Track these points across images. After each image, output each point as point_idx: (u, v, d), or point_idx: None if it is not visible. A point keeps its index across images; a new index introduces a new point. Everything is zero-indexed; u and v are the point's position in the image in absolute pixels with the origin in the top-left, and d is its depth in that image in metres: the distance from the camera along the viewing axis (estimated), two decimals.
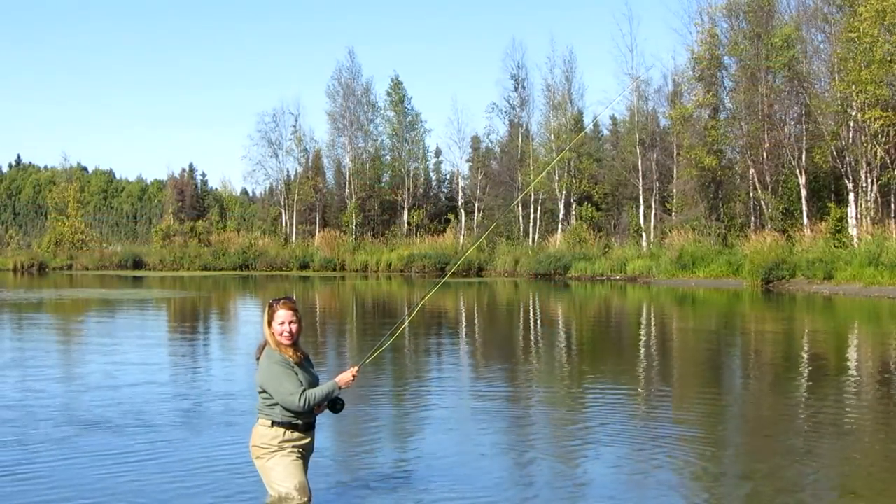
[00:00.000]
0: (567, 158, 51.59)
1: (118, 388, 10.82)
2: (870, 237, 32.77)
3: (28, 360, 14.00)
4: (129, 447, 7.69)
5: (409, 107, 63.07)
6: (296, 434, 5.60)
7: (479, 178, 58.04)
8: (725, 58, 43.32)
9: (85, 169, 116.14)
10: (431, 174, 66.88)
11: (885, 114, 33.87)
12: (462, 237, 55.76)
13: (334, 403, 5.69)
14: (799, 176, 38.95)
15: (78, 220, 69.90)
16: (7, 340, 17.60)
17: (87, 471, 6.95)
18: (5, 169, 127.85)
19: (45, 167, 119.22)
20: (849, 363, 13.76)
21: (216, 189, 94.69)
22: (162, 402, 9.89)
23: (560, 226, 51.64)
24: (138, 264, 61.67)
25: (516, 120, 57.76)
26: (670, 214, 46.49)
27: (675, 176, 46.40)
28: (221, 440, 7.98)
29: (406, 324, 8.11)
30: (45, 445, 7.76)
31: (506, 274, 47.21)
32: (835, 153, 37.09)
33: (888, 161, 35.54)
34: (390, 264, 53.32)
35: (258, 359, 5.70)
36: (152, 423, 8.75)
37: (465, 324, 21.52)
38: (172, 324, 21.75)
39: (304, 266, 56.86)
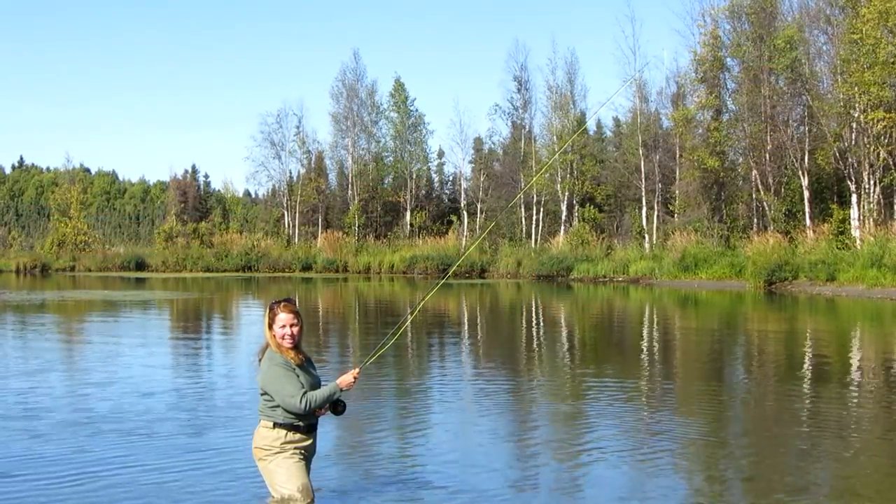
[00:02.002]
0: (570, 160, 51.61)
1: (163, 394, 10.64)
2: (872, 239, 32.72)
3: (58, 363, 13.86)
4: (172, 454, 7.58)
5: (412, 108, 63.19)
6: (298, 436, 5.60)
7: (482, 179, 58.02)
8: (728, 59, 43.35)
9: (88, 170, 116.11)
10: (434, 176, 66.98)
11: (887, 115, 33.84)
12: (464, 239, 55.76)
13: (336, 405, 5.68)
14: (801, 177, 38.90)
15: (80, 221, 70.02)
16: (28, 346, 17.13)
17: (143, 477, 6.84)
18: (8, 170, 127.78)
19: (48, 169, 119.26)
20: (851, 364, 13.75)
21: (219, 190, 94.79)
22: (211, 407, 9.89)
23: (562, 227, 51.62)
24: (141, 266, 61.74)
25: (519, 121, 57.81)
26: (673, 216, 46.46)
27: (677, 177, 46.36)
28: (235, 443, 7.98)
29: (407, 324, 8.08)
30: (103, 454, 7.63)
31: (508, 275, 47.19)
32: (837, 155, 37.04)
33: (891, 163, 35.50)
34: (393, 266, 53.34)
35: (260, 360, 5.70)
36: (200, 428, 8.69)
37: (467, 324, 21.53)
38: (190, 326, 21.75)
39: (307, 267, 56.90)
